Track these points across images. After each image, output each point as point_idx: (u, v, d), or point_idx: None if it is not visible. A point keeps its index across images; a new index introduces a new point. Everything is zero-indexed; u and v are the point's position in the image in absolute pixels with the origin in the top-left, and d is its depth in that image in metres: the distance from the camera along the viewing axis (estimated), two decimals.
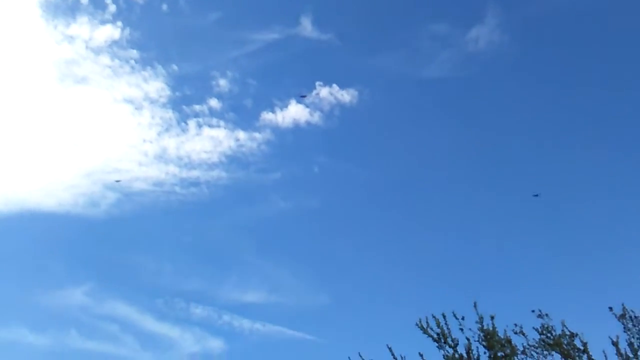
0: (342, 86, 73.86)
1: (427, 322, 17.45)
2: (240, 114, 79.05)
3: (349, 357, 17.22)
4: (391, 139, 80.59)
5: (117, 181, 69.15)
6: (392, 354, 16.90)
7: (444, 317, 17.42)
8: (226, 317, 65.05)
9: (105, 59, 74.55)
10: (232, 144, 74.34)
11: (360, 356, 17.03)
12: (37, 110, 76.03)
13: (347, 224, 78.29)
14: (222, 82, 76.57)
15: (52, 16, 75.41)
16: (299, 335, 64.57)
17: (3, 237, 72.61)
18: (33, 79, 75.44)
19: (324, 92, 73.51)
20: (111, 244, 74.04)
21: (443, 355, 17.04)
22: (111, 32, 74.30)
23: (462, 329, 17.57)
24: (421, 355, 17.04)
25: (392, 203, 79.24)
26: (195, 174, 73.23)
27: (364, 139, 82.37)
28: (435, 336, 17.23)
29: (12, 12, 73.16)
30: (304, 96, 72.82)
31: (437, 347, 17.25)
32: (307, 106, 73.73)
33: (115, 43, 74.53)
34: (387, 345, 16.87)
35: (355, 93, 74.72)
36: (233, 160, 74.65)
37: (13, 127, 76.06)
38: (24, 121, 75.62)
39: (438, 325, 17.24)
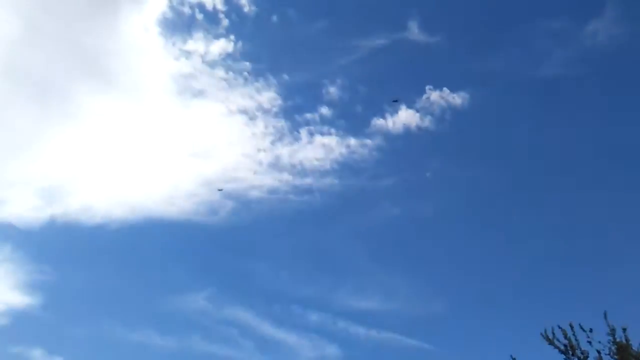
0: (453, 89, 73.16)
1: (552, 333, 16.68)
2: (350, 120, 78.69)
3: None
4: (505, 141, 78.19)
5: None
6: None
7: (572, 327, 16.51)
8: (342, 324, 65.15)
9: (220, 72, 76.92)
10: (344, 150, 74.25)
11: None
12: (158, 123, 79.32)
13: (462, 230, 76.27)
14: (332, 90, 77.09)
15: (170, 33, 78.88)
16: (414, 343, 63.88)
17: (131, 244, 75.78)
18: (154, 93, 78.36)
19: (434, 95, 72.91)
20: (230, 250, 76.35)
21: None
22: (225, 45, 76.72)
23: (590, 342, 16.59)
24: None
25: (509, 207, 76.47)
26: (308, 181, 73.93)
27: (477, 142, 79.38)
28: (562, 348, 16.39)
29: (132, 32, 77.29)
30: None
31: (565, 359, 16.37)
32: (417, 111, 73.20)
33: (229, 56, 77.07)
34: (512, 357, 15.97)
35: (467, 96, 73.60)
36: (345, 167, 74.50)
37: (137, 140, 79.49)
38: (146, 134, 79.11)
39: (565, 337, 16.42)
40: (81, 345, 67.35)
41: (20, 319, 65.28)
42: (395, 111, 73.66)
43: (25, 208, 70.29)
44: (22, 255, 69.78)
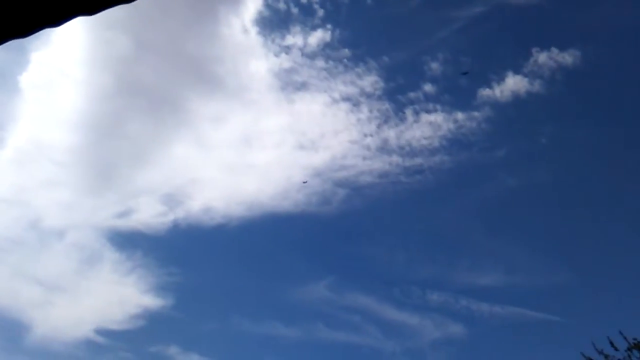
0: (562, 48, 70.37)
1: None
2: (456, 95, 77.32)
3: (608, 337, 15.26)
4: (623, 99, 73.39)
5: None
6: None
7: None
8: (463, 302, 65.27)
9: (320, 63, 77.41)
10: (452, 126, 72.77)
11: (622, 334, 15.05)
12: (266, 120, 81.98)
13: (584, 195, 73.80)
14: (434, 66, 75.25)
15: (268, 31, 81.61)
16: (541, 316, 62.49)
17: (250, 240, 77.49)
18: (258, 91, 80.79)
19: (542, 57, 70.23)
20: (345, 238, 76.73)
21: None
22: (322, 35, 76.98)
23: None
24: None
25: (632, 168, 72.55)
26: (418, 161, 73.03)
27: (592, 102, 76.79)
28: None
29: (233, 34, 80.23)
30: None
31: None
32: (525, 75, 70.80)
33: (327, 45, 77.13)
34: None
35: (578, 53, 70.15)
36: (454, 142, 73.30)
37: (247, 139, 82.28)
38: (255, 131, 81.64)
39: None
40: (212, 341, 70.70)
41: (155, 320, 68.69)
42: (502, 79, 74.12)
43: (151, 215, 73.58)
44: (151, 259, 74.35)
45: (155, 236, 73.91)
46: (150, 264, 72.62)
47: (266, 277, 76.62)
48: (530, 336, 63.65)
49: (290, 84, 78.99)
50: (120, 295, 70.13)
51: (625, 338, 15.07)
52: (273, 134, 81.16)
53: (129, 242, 75.74)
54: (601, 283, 65.65)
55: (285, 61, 78.36)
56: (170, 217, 73.09)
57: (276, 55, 78.95)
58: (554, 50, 69.92)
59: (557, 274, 67.48)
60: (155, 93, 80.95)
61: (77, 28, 74.04)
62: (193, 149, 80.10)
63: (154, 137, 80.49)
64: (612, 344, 14.96)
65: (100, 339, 65.26)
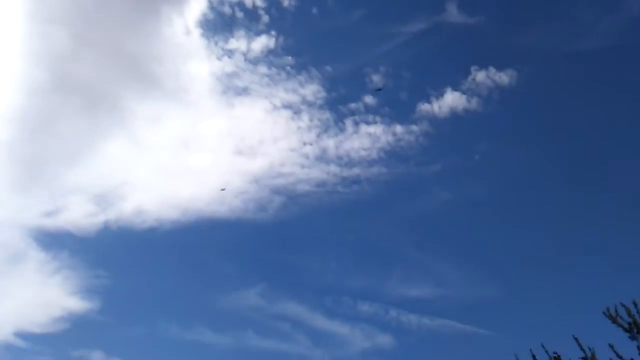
0: (499, 68, 71.93)
1: (616, 311, 15.70)
2: (395, 108, 76.65)
3: (530, 349, 15.55)
4: (555, 118, 77.36)
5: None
6: (580, 346, 15.09)
7: (635, 305, 15.49)
8: (393, 313, 65.39)
9: (262, 69, 76.58)
10: (390, 138, 73.16)
11: (544, 347, 15.30)
12: (205, 124, 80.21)
13: (514, 211, 75.31)
14: (376, 78, 75.33)
15: (211, 33, 78.73)
16: (469, 328, 63.97)
17: (183, 245, 75.21)
18: (199, 94, 78.69)
19: (480, 76, 71.76)
20: (279, 245, 75.54)
21: (637, 346, 15.08)
22: (266, 42, 76.38)
23: None
24: (612, 347, 15.08)
25: (563, 185, 75.35)
26: (355, 171, 73.11)
27: (527, 121, 79.30)
28: (626, 326, 15.40)
29: (175, 35, 78.30)
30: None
31: (630, 337, 15.44)
32: (463, 93, 71.99)
33: (271, 52, 76.53)
34: (574, 336, 15.16)
35: (514, 73, 72.20)
36: (392, 155, 73.37)
37: (185, 142, 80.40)
38: (193, 135, 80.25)
39: (629, 314, 15.39)
40: (138, 346, 68.99)
41: (79, 323, 66.32)
42: (441, 95, 72.74)
43: (81, 215, 71.54)
44: (78, 261, 71.41)
45: (84, 237, 71.87)
46: (77, 266, 70.52)
47: (197, 282, 75.99)
48: (458, 348, 64.45)
49: (232, 88, 78.44)
50: (43, 297, 67.68)
51: (546, 351, 15.29)
52: (211, 138, 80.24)
53: (56, 242, 73.33)
54: (528, 297, 67.06)
55: (227, 65, 77.92)
56: (100, 218, 71.83)
57: (218, 58, 78.54)
58: (492, 70, 71.60)
59: (486, 287, 68.54)
60: (91, 90, 77.70)
61: (13, 20, 72.21)
62: (128, 149, 77.33)
63: (87, 136, 78.00)
64: (534, 357, 15.22)
65: (20, 343, 63.88)
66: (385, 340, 64.66)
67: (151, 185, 76.57)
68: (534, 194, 75.73)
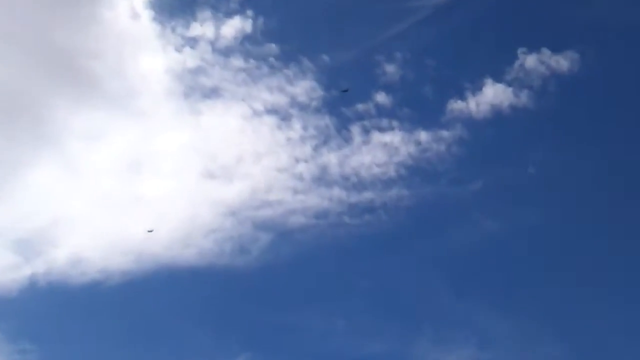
0: (555, 49, 68.49)
1: None
2: (418, 108, 71.29)
3: None
4: (635, 113, 67.74)
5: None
6: None
7: None
8: None
9: (237, 61, 72.30)
10: (412, 150, 67.64)
11: None
12: (162, 138, 72.80)
13: (584, 244, 64.63)
14: (390, 68, 70.61)
15: (167, 17, 73.62)
16: None
17: (136, 304, 65.49)
18: (152, 98, 72.35)
19: (529, 61, 67.97)
20: (268, 300, 65.73)
21: None
22: (241, 25, 72.33)
23: None
24: None
25: None
26: (367, 196, 66.58)
27: (595, 119, 69.75)
28: None
29: (117, 21, 72.98)
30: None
31: None
32: (509, 84, 67.65)
33: (247, 38, 72.62)
34: None
35: (575, 56, 67.66)
36: (416, 171, 67.51)
37: (135, 164, 72.29)
38: (147, 154, 72.45)
39: None
40: None
41: None
42: (478, 88, 68.35)
43: None
44: None
45: (3, 298, 63.09)
46: None
47: (158, 354, 63.89)
48: None
49: (197, 89, 72.76)
50: None
51: None
52: (171, 157, 72.10)
53: None
54: None
55: (189, 58, 72.90)
56: (25, 272, 63.81)
57: (178, 50, 73.33)
58: (546, 52, 68.41)
59: (547, 348, 58.37)
60: (8, 99, 69.86)
61: None
62: (59, 176, 69.11)
63: (2, 160, 69.12)
64: None
65: None
66: None
67: (92, 224, 68.30)
68: (610, 218, 65.50)
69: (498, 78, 68.98)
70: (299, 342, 64.00)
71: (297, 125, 70.79)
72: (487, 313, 62.15)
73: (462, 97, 68.96)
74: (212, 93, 72.97)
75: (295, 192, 67.69)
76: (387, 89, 70.55)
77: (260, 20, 73.15)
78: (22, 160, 69.86)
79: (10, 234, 66.14)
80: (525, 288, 65.41)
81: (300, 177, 68.46)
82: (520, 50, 68.71)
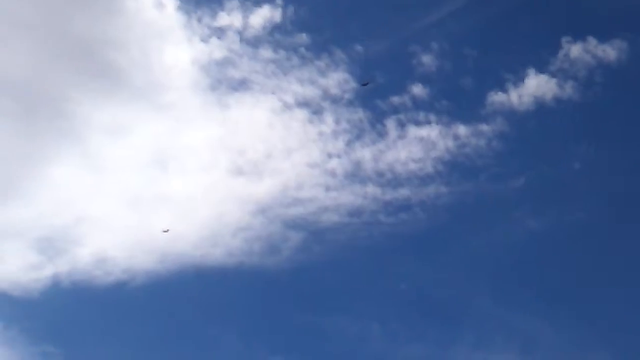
0: (602, 38, 67.44)
1: None
2: (456, 100, 69.98)
3: None
4: None
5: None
6: None
7: None
8: None
9: (266, 52, 71.39)
10: (451, 144, 66.83)
11: None
12: (188, 133, 72.08)
13: (633, 242, 62.46)
14: (427, 59, 69.61)
15: (193, 6, 72.66)
16: None
17: (162, 305, 64.86)
18: (178, 91, 71.49)
19: (574, 50, 67.16)
20: (299, 302, 65.12)
21: None
22: (270, 14, 71.46)
23: None
24: None
25: None
26: (404, 193, 65.52)
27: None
28: None
29: (141, 11, 72.82)
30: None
31: None
32: (553, 75, 66.56)
33: (276, 28, 71.81)
34: None
35: (624, 45, 66.17)
36: (454, 167, 66.72)
37: (161, 160, 71.25)
38: (173, 150, 71.66)
39: None
40: None
41: None
42: (520, 79, 67.41)
43: (20, 267, 63.19)
44: (18, 333, 61.70)
45: (25, 298, 62.23)
46: (15, 340, 60.18)
47: (184, 356, 62.82)
48: None
49: (224, 82, 71.86)
50: None
51: None
52: (198, 153, 71.43)
53: None
54: None
55: (217, 49, 71.89)
56: (47, 272, 62.95)
57: (204, 40, 72.50)
58: (592, 42, 67.49)
59: (595, 353, 57.23)
60: (28, 92, 69.54)
61: None
62: (82, 173, 68.61)
63: (24, 156, 68.86)
64: None
65: None
66: None
67: (116, 223, 67.60)
68: None
69: (541, 68, 68.56)
70: (331, 347, 62.29)
71: (329, 119, 70.15)
72: (529, 317, 60.95)
73: (503, 89, 68.60)
74: (240, 85, 72.51)
75: (328, 189, 66.87)
76: (424, 80, 70.18)
77: (290, 9, 72.74)
78: (44, 156, 69.53)
79: (32, 232, 65.36)
80: (571, 291, 64.71)
81: (332, 174, 67.78)
82: (564, 39, 68.14)
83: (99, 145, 70.85)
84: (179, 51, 73.16)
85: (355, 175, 67.51)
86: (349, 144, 69.14)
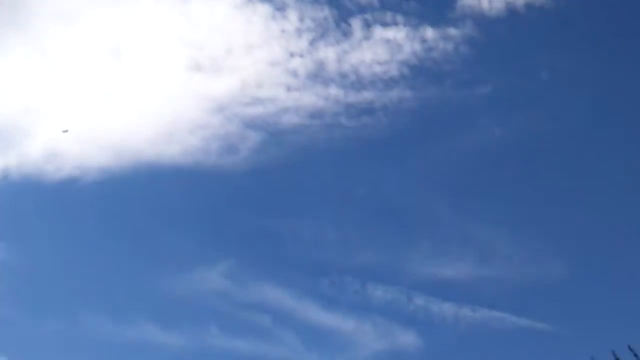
0: None
1: None
2: (425, 2, 67.97)
3: (613, 352, 16.68)
4: None
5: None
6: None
7: None
8: (419, 301, 56.76)
9: None
10: (418, 47, 65.15)
11: (631, 350, 16.68)
12: (144, 24, 69.08)
13: (599, 155, 62.32)
14: None
15: None
16: (524, 322, 54.22)
17: (115, 203, 65.53)
18: None
19: None
20: (255, 204, 65.28)
21: None
22: None
23: None
24: None
25: None
26: (367, 96, 64.93)
27: (614, 21, 65.41)
28: None
29: None
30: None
31: None
32: None
33: None
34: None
35: None
36: (420, 71, 65.24)
37: (115, 52, 69.35)
38: (128, 41, 69.17)
39: None
40: (53, 350, 57.53)
41: None
42: None
43: None
44: None
45: None
46: None
47: (137, 257, 64.03)
48: (509, 348, 54.09)
49: None
50: None
51: (636, 355, 16.02)
52: (155, 46, 69.00)
53: None
54: (607, 281, 56.25)
55: None
56: None
57: None
58: None
59: (549, 266, 57.55)
60: None
61: None
62: (29, 61, 66.73)
63: None
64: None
65: None
66: (407, 339, 55.20)
67: (67, 115, 66.37)
68: (627, 126, 63.07)
69: None
70: (285, 250, 62.81)
71: (292, 16, 67.20)
72: (488, 226, 60.98)
73: None
74: None
75: (289, 89, 65.68)
76: None
77: None
78: None
79: None
80: (532, 202, 64.22)
81: (294, 73, 66.20)
82: None
83: (47, 32, 68.24)
84: None
85: (318, 75, 66.24)
86: (312, 43, 67.22)
